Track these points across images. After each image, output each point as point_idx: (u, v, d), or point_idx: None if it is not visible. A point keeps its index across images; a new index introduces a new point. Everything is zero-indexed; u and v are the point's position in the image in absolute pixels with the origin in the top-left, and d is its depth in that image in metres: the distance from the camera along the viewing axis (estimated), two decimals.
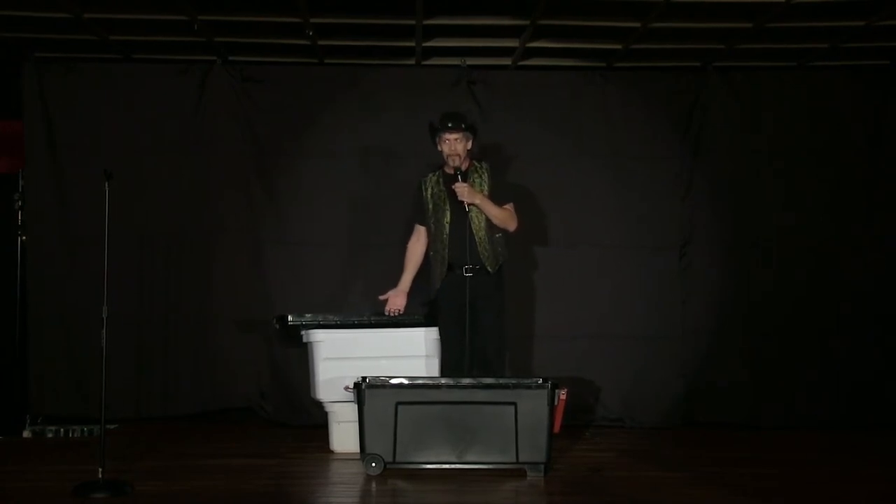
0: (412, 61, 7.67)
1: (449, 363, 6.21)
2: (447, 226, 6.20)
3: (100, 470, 5.13)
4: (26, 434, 7.03)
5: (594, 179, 7.72)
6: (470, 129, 6.25)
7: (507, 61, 7.67)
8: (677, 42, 7.27)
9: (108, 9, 6.68)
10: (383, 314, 6.51)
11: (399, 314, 6.39)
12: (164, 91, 7.61)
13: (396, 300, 6.40)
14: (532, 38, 7.13)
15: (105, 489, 5.05)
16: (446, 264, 6.19)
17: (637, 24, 6.81)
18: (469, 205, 6.11)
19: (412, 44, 7.27)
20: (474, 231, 6.15)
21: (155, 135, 7.58)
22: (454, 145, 6.19)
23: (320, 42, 7.24)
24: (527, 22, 6.79)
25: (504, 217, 6.22)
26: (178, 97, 7.62)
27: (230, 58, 7.61)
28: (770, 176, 7.72)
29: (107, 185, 5.27)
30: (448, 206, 6.21)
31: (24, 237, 7.51)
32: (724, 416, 7.58)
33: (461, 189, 6.10)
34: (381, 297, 6.42)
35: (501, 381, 5.76)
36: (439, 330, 6.31)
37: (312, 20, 6.78)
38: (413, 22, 6.81)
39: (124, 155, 7.41)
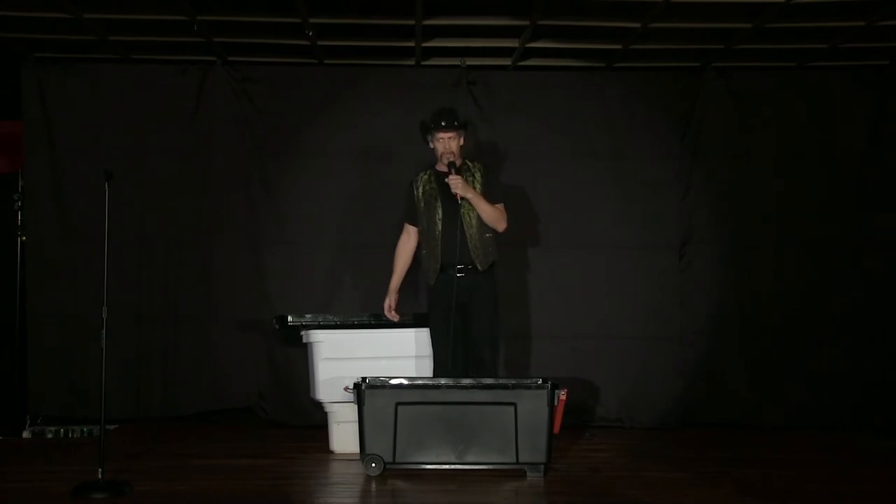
0: (412, 61, 7.67)
1: (438, 363, 6.18)
2: (439, 223, 6.16)
3: (100, 470, 5.14)
4: (26, 434, 7.02)
5: (594, 179, 7.71)
6: (463, 127, 6.23)
7: (506, 61, 7.67)
8: (677, 42, 7.27)
9: (108, 9, 6.67)
10: (382, 315, 6.52)
11: (395, 316, 6.38)
12: (164, 91, 7.61)
13: (388, 300, 6.38)
14: (532, 38, 7.13)
15: (105, 489, 5.05)
16: (439, 262, 6.16)
17: (637, 25, 6.81)
18: (461, 198, 6.08)
19: (412, 44, 7.27)
20: (466, 229, 6.12)
21: (155, 135, 7.58)
22: (448, 143, 6.16)
23: (320, 42, 7.24)
24: (526, 22, 6.79)
25: (494, 216, 6.16)
26: (177, 97, 7.63)
27: (230, 58, 7.61)
28: (770, 176, 7.72)
29: (107, 185, 5.28)
30: (440, 204, 6.17)
31: (24, 237, 7.52)
32: (724, 416, 7.58)
33: (455, 181, 6.05)
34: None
35: (501, 381, 5.76)
36: (430, 329, 6.28)
37: (312, 20, 6.78)
38: (413, 22, 6.81)
39: (124, 155, 7.41)
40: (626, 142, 7.73)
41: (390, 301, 6.39)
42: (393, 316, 6.40)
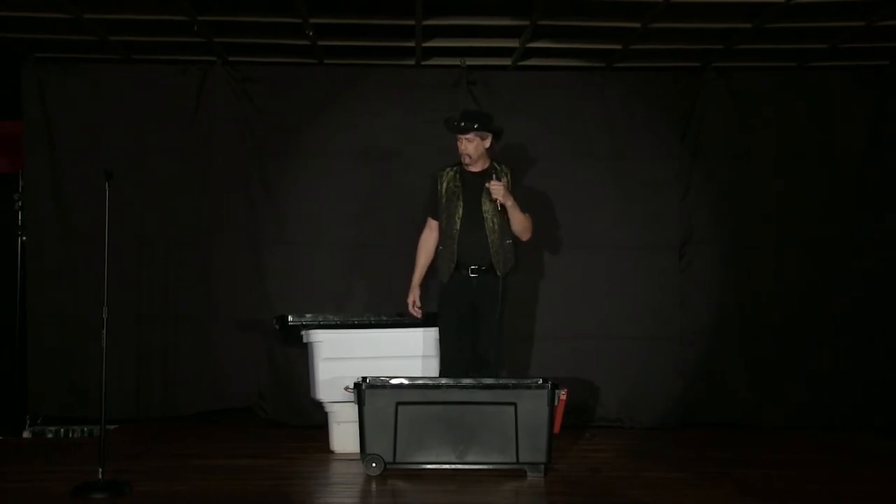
0: (412, 61, 7.67)
1: (446, 361, 6.18)
2: (458, 222, 6.13)
3: (100, 470, 5.14)
4: (26, 434, 7.02)
5: (594, 180, 7.71)
6: (485, 130, 6.15)
7: (506, 61, 7.67)
8: (677, 42, 7.27)
9: (108, 9, 6.67)
10: (383, 315, 6.52)
11: (419, 309, 6.35)
12: (164, 91, 7.61)
13: (411, 296, 6.35)
14: (532, 38, 7.12)
15: (105, 489, 5.06)
16: (454, 260, 6.14)
17: (637, 25, 6.81)
18: (500, 204, 6.02)
19: (412, 44, 7.27)
20: (487, 232, 6.11)
21: (155, 135, 7.58)
22: (465, 145, 6.14)
23: (320, 42, 7.24)
24: (527, 22, 6.79)
25: (525, 225, 6.17)
26: (177, 97, 7.63)
27: (230, 58, 7.61)
28: (770, 176, 7.72)
29: (107, 185, 5.28)
30: (462, 203, 6.15)
31: (24, 237, 7.52)
32: (724, 416, 7.59)
33: (497, 187, 6.02)
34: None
35: (501, 381, 5.77)
36: (439, 327, 6.27)
37: (312, 20, 6.78)
38: (413, 22, 6.81)
39: (124, 155, 7.41)
40: (626, 142, 7.73)
41: (414, 297, 6.36)
42: (417, 312, 6.37)
